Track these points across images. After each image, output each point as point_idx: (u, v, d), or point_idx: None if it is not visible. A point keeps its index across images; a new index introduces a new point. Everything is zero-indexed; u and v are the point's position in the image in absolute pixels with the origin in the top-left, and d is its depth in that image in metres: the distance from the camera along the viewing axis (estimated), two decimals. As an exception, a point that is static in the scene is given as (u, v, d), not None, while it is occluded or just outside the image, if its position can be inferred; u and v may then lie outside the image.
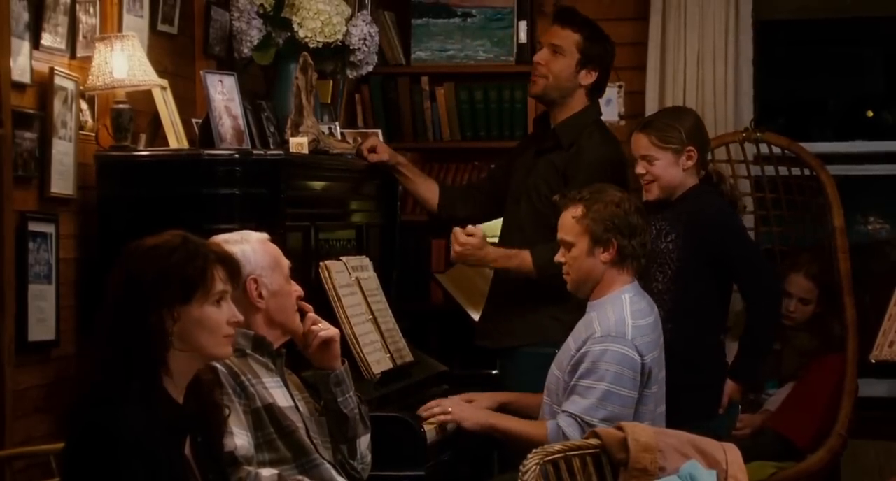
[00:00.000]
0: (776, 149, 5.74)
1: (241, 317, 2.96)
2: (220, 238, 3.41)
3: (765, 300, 4.58)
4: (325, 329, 3.59)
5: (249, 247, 3.42)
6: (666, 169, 4.50)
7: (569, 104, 4.77)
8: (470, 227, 4.66)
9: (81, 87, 4.08)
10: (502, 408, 4.39)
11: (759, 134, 5.68)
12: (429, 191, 4.99)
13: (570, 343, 4.10)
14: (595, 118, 4.86)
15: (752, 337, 4.61)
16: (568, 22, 4.79)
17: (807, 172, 5.69)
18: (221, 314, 2.89)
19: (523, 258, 4.61)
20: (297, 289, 3.54)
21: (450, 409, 4.20)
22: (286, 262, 3.51)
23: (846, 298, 5.46)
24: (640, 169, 4.52)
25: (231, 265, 2.95)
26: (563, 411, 4.00)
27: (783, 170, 5.75)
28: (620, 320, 4.01)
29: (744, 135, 5.67)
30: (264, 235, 3.53)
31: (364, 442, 3.64)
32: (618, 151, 4.80)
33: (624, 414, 3.94)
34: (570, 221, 4.09)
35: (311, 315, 3.59)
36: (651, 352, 4.03)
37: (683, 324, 4.46)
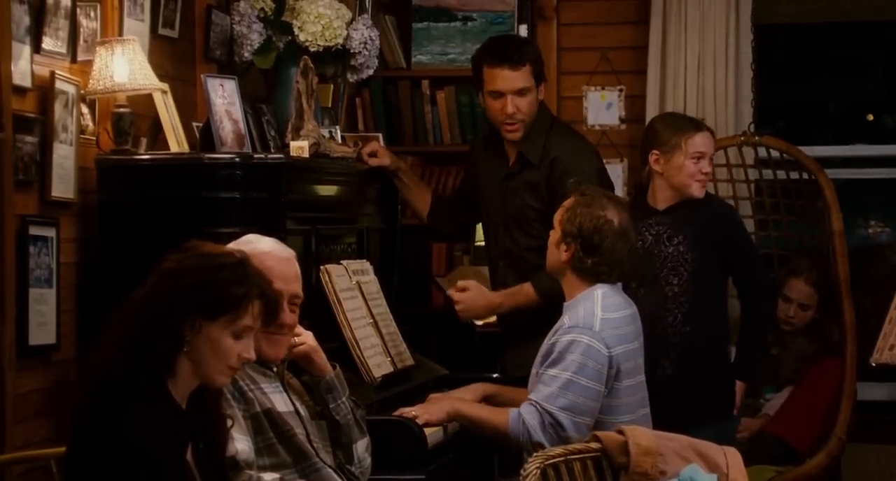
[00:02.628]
0: (775, 154, 5.73)
1: (253, 356, 2.94)
2: (244, 237, 3.40)
3: (764, 297, 4.65)
4: (302, 343, 3.53)
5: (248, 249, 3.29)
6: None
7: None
8: (461, 282, 4.70)
9: (82, 91, 4.08)
10: (487, 400, 4.41)
11: (757, 137, 5.68)
12: (422, 201, 5.03)
13: (546, 341, 4.13)
14: (549, 118, 4.80)
15: (753, 334, 4.65)
16: (519, 61, 4.63)
17: (805, 176, 5.69)
18: (236, 346, 2.88)
19: (527, 292, 4.61)
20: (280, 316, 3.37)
21: (413, 413, 4.17)
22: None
23: (845, 302, 5.45)
24: (708, 167, 4.66)
25: (270, 305, 2.93)
26: (528, 399, 4.04)
27: (782, 174, 5.75)
28: (590, 312, 4.04)
29: (742, 139, 5.66)
30: (267, 249, 3.39)
31: (361, 447, 3.63)
32: (593, 150, 4.83)
33: (586, 404, 3.97)
34: (561, 207, 4.14)
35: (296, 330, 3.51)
36: (621, 345, 4.04)
37: (702, 325, 4.50)
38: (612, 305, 4.08)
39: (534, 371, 4.14)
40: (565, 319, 4.08)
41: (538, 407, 3.99)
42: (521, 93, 4.64)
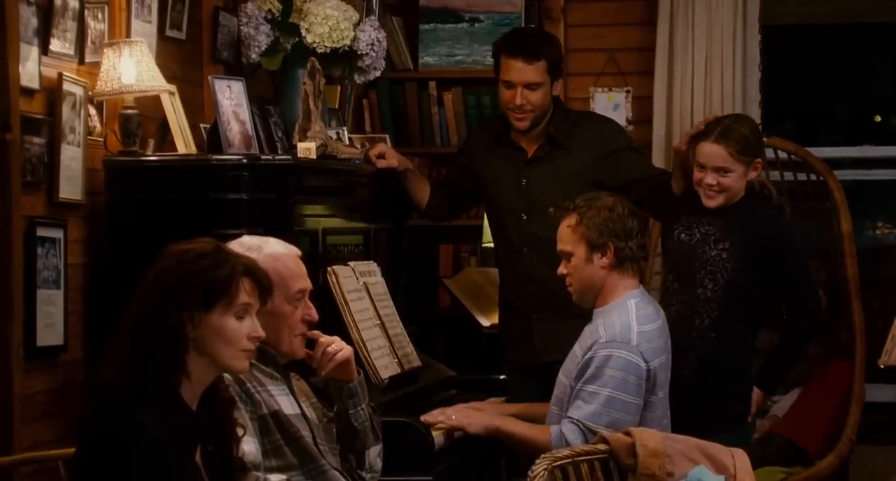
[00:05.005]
0: (783, 155, 5.73)
1: (262, 334, 2.93)
2: (244, 239, 3.40)
3: (807, 315, 4.50)
4: (340, 349, 3.53)
5: (259, 257, 3.26)
6: (737, 180, 4.36)
7: (547, 113, 4.80)
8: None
9: (90, 93, 4.09)
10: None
11: (765, 139, 5.65)
12: (423, 192, 5.03)
13: (577, 350, 4.10)
14: (568, 110, 4.95)
15: (788, 348, 4.55)
16: (533, 55, 4.68)
17: (813, 177, 5.68)
18: (241, 327, 2.87)
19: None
20: (306, 313, 3.43)
21: (453, 416, 4.20)
22: (298, 284, 3.39)
23: (854, 303, 5.44)
24: (710, 179, 4.36)
25: (260, 280, 2.92)
26: (567, 417, 4.00)
27: (790, 176, 5.74)
28: (626, 326, 4.01)
29: None
30: (284, 250, 3.43)
31: (373, 452, 3.63)
32: (618, 125, 5.02)
33: (627, 420, 3.93)
34: (566, 231, 4.10)
35: (323, 339, 3.53)
36: (657, 358, 4.03)
37: (728, 334, 4.40)
38: (645, 317, 4.05)
39: (565, 381, 4.10)
40: (601, 332, 4.02)
41: (581, 425, 3.95)
42: (531, 86, 4.69)
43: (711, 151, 4.36)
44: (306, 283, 3.42)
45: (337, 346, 3.53)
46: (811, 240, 5.76)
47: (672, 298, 4.36)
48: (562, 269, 4.14)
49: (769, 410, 5.52)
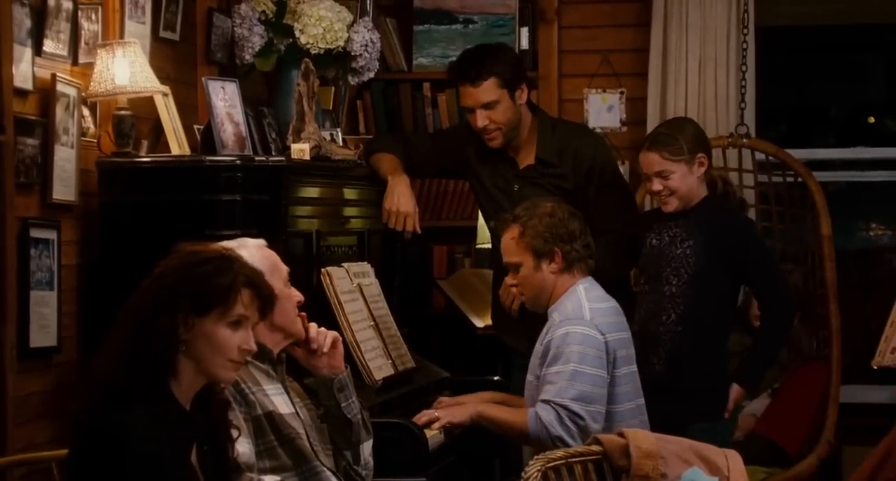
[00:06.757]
0: (762, 157, 5.72)
1: (254, 348, 2.93)
2: (217, 245, 3.41)
3: (780, 307, 4.62)
4: (327, 331, 3.59)
5: (247, 252, 3.32)
6: (683, 180, 4.57)
7: (522, 123, 4.75)
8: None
9: (83, 94, 4.09)
10: None
11: (744, 140, 5.67)
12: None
13: (537, 346, 4.16)
14: (548, 117, 4.88)
15: (764, 343, 4.64)
16: (477, 77, 4.62)
17: (792, 180, 5.66)
18: (233, 338, 2.86)
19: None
20: (296, 294, 3.51)
21: (436, 414, 4.22)
22: (284, 268, 3.48)
23: (831, 306, 5.44)
24: (657, 186, 4.59)
25: (262, 293, 2.91)
26: (540, 400, 4.05)
27: (763, 178, 5.74)
28: (577, 304, 4.09)
29: (728, 140, 5.66)
30: (261, 241, 3.50)
31: (367, 447, 3.64)
32: (602, 139, 5.00)
33: (595, 392, 4.00)
34: (510, 243, 4.16)
35: (311, 323, 3.58)
36: (613, 333, 4.09)
37: (696, 327, 4.51)
38: (596, 297, 4.13)
39: (530, 378, 4.15)
40: (554, 316, 4.11)
41: (551, 403, 4.00)
42: (487, 106, 4.65)
43: (645, 160, 4.62)
44: (284, 266, 3.49)
45: (324, 330, 3.58)
46: (792, 243, 5.75)
47: (643, 299, 4.53)
48: (510, 280, 4.22)
49: (741, 410, 5.50)
